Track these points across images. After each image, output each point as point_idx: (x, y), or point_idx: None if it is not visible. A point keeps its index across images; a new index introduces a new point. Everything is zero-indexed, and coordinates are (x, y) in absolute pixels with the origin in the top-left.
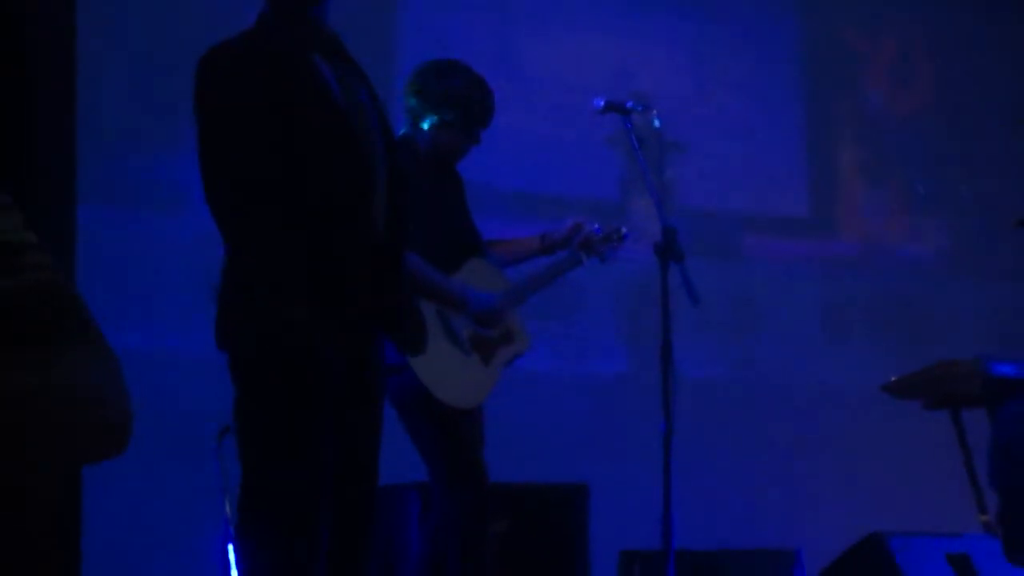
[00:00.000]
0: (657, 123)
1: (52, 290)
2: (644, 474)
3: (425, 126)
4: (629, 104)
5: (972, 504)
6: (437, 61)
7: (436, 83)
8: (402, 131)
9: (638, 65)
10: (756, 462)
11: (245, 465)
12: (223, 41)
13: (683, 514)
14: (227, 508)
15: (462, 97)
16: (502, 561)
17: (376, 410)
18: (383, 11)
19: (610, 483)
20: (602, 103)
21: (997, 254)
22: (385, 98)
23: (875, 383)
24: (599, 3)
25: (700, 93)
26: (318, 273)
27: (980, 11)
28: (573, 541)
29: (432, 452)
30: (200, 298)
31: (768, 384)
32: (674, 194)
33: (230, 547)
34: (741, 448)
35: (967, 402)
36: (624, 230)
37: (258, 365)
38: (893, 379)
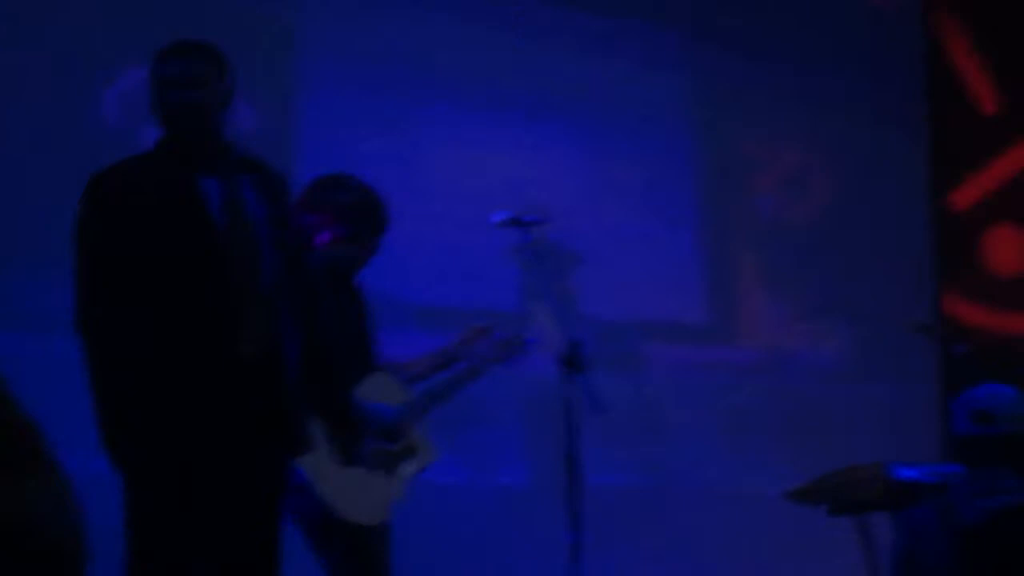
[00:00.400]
0: (555, 235)
1: (9, 415)
2: None
3: (319, 241)
4: (527, 218)
5: None
6: (327, 176)
7: (329, 197)
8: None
9: (535, 176)
10: (664, 569)
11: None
12: (111, 165)
13: None
14: None
15: (356, 210)
16: None
17: (262, 523)
18: (280, 131)
19: None
20: (500, 217)
21: (898, 356)
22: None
23: (779, 487)
24: (497, 115)
25: (597, 203)
26: (165, 388)
27: (870, 120)
28: None
29: (338, 573)
30: None
31: (673, 491)
32: (575, 304)
33: None
34: (648, 555)
35: (870, 507)
36: (525, 336)
37: (126, 478)
38: (796, 486)
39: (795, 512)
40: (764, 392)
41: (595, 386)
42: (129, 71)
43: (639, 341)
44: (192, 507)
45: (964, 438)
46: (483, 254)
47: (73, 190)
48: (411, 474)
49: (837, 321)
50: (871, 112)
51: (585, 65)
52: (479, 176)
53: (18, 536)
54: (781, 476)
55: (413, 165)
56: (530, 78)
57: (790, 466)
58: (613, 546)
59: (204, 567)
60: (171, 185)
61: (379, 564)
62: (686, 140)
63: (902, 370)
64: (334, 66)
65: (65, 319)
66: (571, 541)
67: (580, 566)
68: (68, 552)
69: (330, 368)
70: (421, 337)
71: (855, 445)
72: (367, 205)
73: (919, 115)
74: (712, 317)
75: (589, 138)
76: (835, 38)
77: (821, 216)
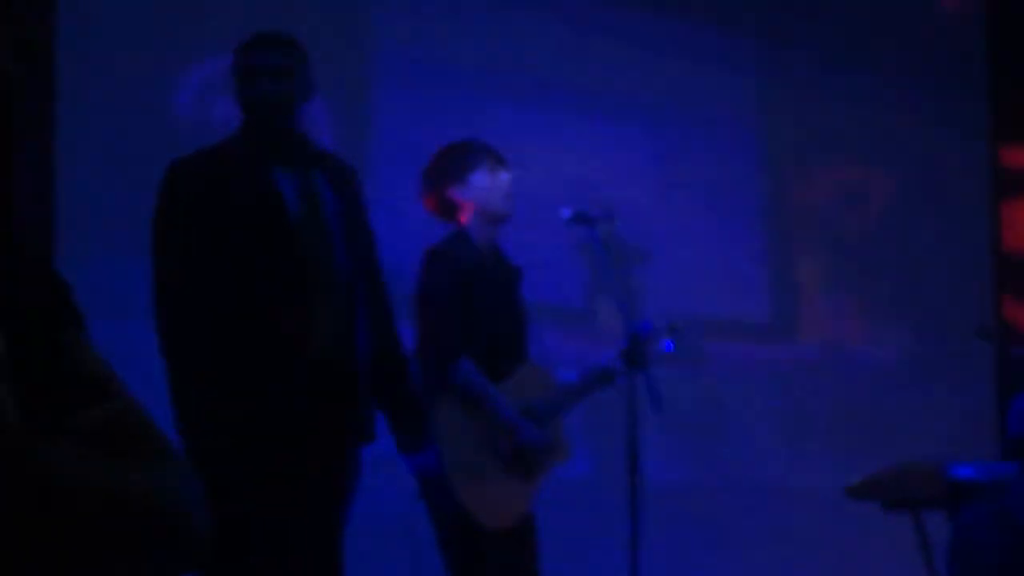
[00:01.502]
0: (622, 232)
1: (140, 415)
2: None
3: (469, 198)
4: (595, 214)
5: None
6: (444, 148)
7: (453, 162)
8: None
9: (602, 173)
10: (722, 565)
11: None
12: (189, 154)
13: None
14: None
15: (477, 155)
16: None
17: (336, 519)
18: (355, 126)
19: None
20: (569, 213)
21: (957, 357)
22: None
23: (837, 485)
24: (566, 113)
25: (663, 201)
26: (237, 382)
27: (935, 124)
28: None
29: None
30: None
31: (732, 487)
32: (639, 301)
33: None
34: (706, 551)
35: (927, 504)
36: (679, 324)
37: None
38: (856, 481)
39: (852, 508)
40: (824, 390)
41: (656, 381)
42: (205, 60)
43: (701, 337)
44: (253, 495)
45: (1018, 439)
46: (549, 250)
47: (148, 177)
48: (547, 471)
49: (897, 322)
50: (935, 116)
51: (654, 65)
52: (546, 173)
53: (176, 512)
54: (839, 473)
55: None
56: (598, 77)
57: (848, 464)
58: (672, 539)
59: (263, 556)
60: (249, 176)
61: (503, 570)
62: (752, 140)
63: (961, 372)
64: (405, 62)
65: (140, 306)
66: (630, 533)
67: (638, 558)
68: (203, 541)
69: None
70: None
71: (913, 444)
72: (480, 146)
73: (982, 122)
74: (774, 315)
75: (656, 137)
76: (898, 42)
77: (884, 217)
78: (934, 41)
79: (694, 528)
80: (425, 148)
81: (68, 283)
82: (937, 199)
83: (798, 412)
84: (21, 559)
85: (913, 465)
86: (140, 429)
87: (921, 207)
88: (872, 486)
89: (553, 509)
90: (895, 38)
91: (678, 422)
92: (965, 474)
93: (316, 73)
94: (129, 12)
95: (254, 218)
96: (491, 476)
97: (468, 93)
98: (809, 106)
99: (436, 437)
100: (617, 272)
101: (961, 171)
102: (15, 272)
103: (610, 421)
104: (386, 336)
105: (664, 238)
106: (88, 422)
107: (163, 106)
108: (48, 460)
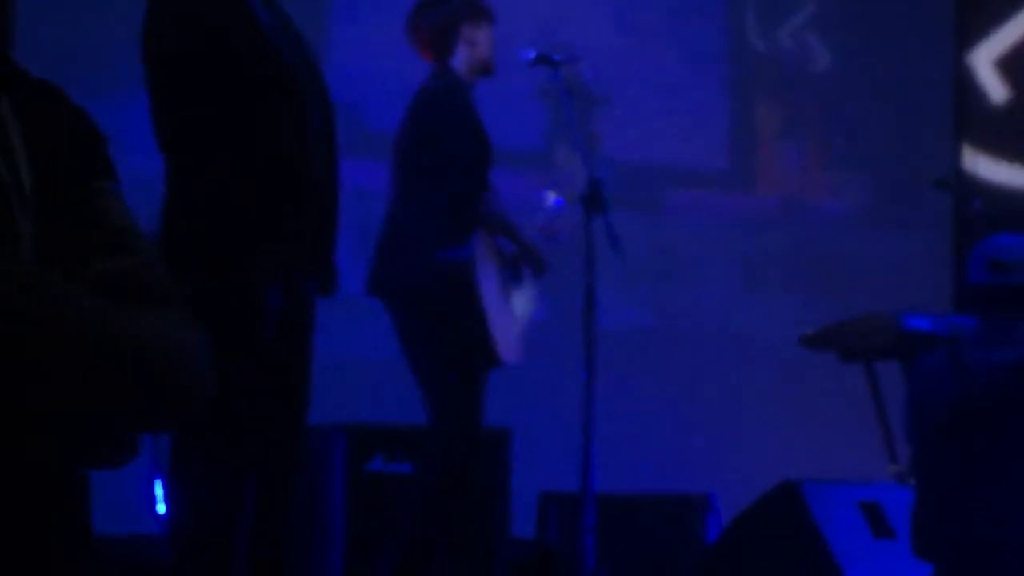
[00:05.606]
0: (586, 75)
1: (158, 272)
2: (566, 419)
3: (474, 43)
4: (558, 57)
5: (884, 453)
6: None
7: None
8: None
9: (562, 17)
10: (675, 410)
11: None
12: None
13: (603, 458)
14: (153, 445)
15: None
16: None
17: (308, 348)
18: None
19: (532, 428)
20: (532, 55)
21: (915, 208)
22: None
23: (793, 334)
24: None
25: (624, 46)
26: (264, 211)
27: None
28: (495, 484)
29: (445, 400)
30: None
31: (688, 334)
32: (599, 146)
33: (157, 483)
34: (661, 396)
35: (881, 355)
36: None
37: (202, 301)
38: (810, 332)
39: (806, 357)
40: (781, 240)
41: (614, 226)
42: None
43: (660, 184)
44: (251, 325)
45: (978, 287)
46: (508, 93)
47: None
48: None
49: (857, 170)
50: None
51: None
52: (508, 14)
53: (201, 362)
54: (794, 323)
55: None
56: None
57: (804, 313)
58: (626, 385)
59: (252, 386)
60: (233, 7)
61: (479, 405)
62: None
63: (918, 221)
64: None
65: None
66: (585, 377)
67: (593, 401)
68: (201, 392)
69: None
70: None
71: (869, 294)
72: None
73: None
74: (733, 162)
75: None
76: None
77: (845, 65)
78: None
79: (649, 374)
80: None
81: (104, 135)
82: (899, 45)
83: (756, 261)
84: (27, 386)
85: (868, 316)
86: (157, 284)
87: (883, 54)
88: (827, 336)
89: None
90: None
91: (636, 269)
92: (919, 325)
93: None
94: None
95: (251, 47)
96: (507, 311)
97: None
98: None
99: (473, 268)
100: (577, 117)
101: (924, 16)
102: (54, 117)
103: (568, 267)
104: None
105: (625, 83)
106: (105, 272)
107: None
108: (58, 296)
